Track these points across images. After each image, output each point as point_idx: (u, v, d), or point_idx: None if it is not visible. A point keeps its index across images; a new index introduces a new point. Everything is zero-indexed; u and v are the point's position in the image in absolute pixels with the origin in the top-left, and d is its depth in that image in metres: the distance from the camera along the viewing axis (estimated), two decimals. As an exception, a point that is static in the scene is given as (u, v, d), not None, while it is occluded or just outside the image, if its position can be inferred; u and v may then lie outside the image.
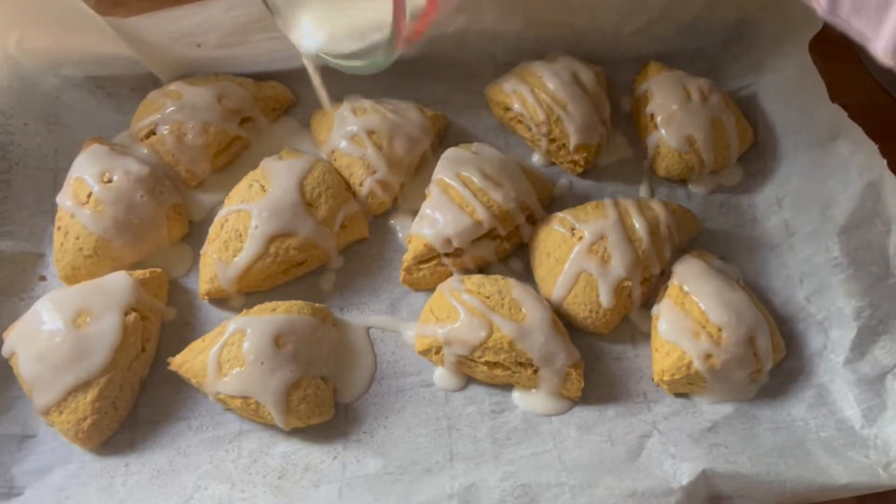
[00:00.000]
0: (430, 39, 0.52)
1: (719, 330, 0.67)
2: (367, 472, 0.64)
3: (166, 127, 0.76)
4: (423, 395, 0.70)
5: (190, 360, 0.67)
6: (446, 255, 0.73)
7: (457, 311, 0.68)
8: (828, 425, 0.68)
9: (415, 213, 0.76)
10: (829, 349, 0.71)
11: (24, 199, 0.75)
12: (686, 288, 0.70)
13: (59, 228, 0.72)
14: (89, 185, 0.71)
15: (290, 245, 0.71)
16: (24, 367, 0.64)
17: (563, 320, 0.71)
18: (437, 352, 0.69)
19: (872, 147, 0.69)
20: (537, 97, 0.79)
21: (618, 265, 0.71)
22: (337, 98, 0.81)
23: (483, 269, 0.76)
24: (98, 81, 0.81)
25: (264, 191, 0.72)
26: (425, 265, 0.74)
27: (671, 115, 0.80)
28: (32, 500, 0.63)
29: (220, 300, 0.73)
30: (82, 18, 0.71)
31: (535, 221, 0.76)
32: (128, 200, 0.71)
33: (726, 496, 0.62)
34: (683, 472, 0.61)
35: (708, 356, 0.66)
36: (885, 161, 0.69)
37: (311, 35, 0.57)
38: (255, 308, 0.69)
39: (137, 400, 0.68)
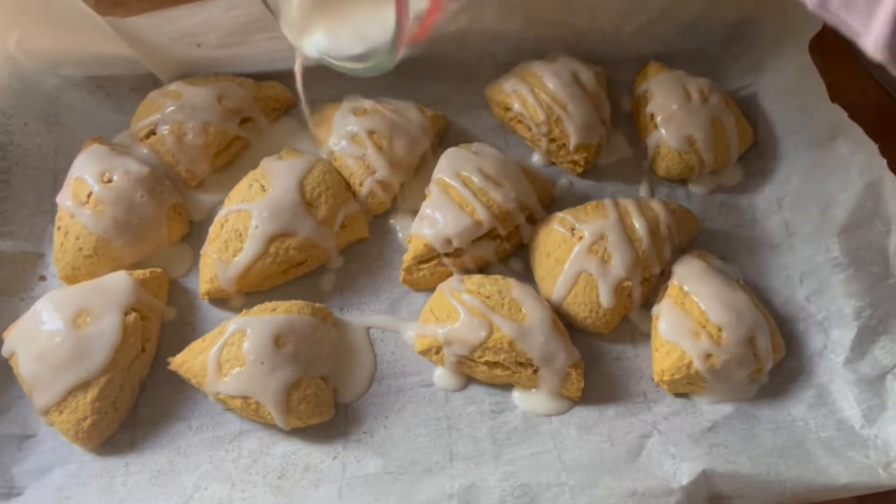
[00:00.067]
0: (430, 39, 0.52)
1: (719, 330, 0.67)
2: (367, 472, 0.64)
3: (166, 127, 0.76)
4: (423, 395, 0.70)
5: (190, 360, 0.67)
6: (446, 255, 0.73)
7: (457, 311, 0.68)
8: (828, 425, 0.68)
9: (415, 213, 0.76)
10: (829, 349, 0.71)
11: (24, 199, 0.75)
12: (686, 288, 0.70)
13: (59, 228, 0.72)
14: (89, 185, 0.71)
15: (290, 245, 0.71)
16: (24, 367, 0.64)
17: (563, 320, 0.71)
18: (437, 352, 0.69)
19: (872, 147, 0.69)
20: (537, 97, 0.79)
21: (618, 265, 0.71)
22: (337, 98, 0.82)
23: (483, 269, 0.76)
24: (98, 81, 0.81)
25: (264, 191, 0.72)
26: (425, 265, 0.74)
27: (671, 115, 0.80)
28: (32, 500, 0.63)
29: (220, 300, 0.73)
30: (82, 18, 0.71)
31: (535, 221, 0.76)
32: (128, 200, 0.71)
33: (726, 496, 0.62)
34: (683, 472, 0.61)
35: (708, 356, 0.66)
36: (885, 161, 0.69)
37: (314, 38, 0.57)
38: (255, 308, 0.69)
39: (137, 400, 0.68)
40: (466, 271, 0.74)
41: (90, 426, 0.64)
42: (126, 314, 0.66)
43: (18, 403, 0.67)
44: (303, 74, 0.63)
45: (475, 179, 0.73)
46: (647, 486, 0.61)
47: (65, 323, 0.64)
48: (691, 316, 0.68)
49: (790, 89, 0.80)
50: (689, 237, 0.78)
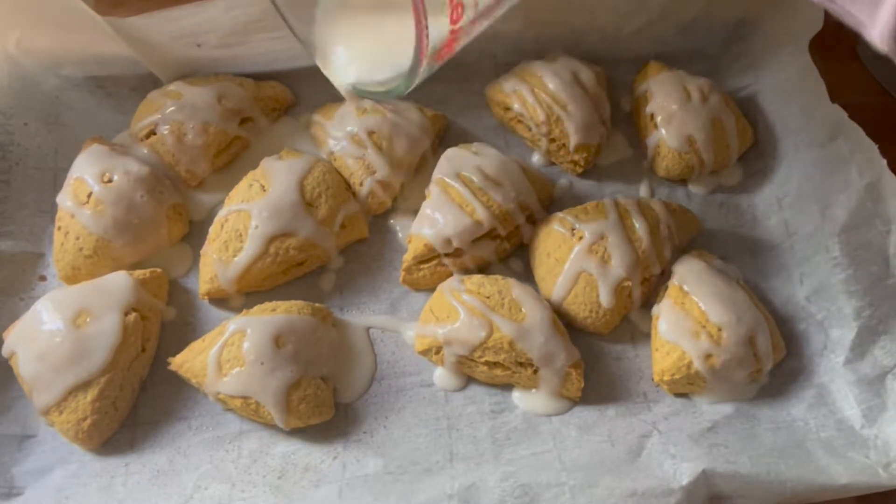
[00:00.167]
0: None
1: (719, 330, 0.67)
2: (367, 472, 0.64)
3: (166, 127, 0.76)
4: (423, 395, 0.70)
5: (190, 360, 0.67)
6: (446, 255, 0.73)
7: (457, 311, 0.68)
8: (828, 425, 0.68)
9: (415, 213, 0.76)
10: (829, 349, 0.71)
11: (24, 199, 0.75)
12: (686, 288, 0.70)
13: (59, 228, 0.72)
14: (89, 185, 0.71)
15: (290, 245, 0.71)
16: (24, 367, 0.64)
17: (563, 320, 0.71)
18: (437, 352, 0.69)
19: (872, 147, 0.69)
20: (537, 97, 0.79)
21: (618, 265, 0.71)
22: (337, 98, 0.81)
23: (483, 269, 0.76)
24: (98, 81, 0.81)
25: (264, 191, 0.72)
26: (425, 265, 0.74)
27: (671, 115, 0.80)
28: (32, 500, 0.63)
29: (220, 300, 0.73)
30: (82, 18, 0.71)
31: (535, 221, 0.76)
32: (128, 200, 0.71)
33: (726, 496, 0.62)
34: (683, 472, 0.61)
35: (708, 356, 0.66)
36: (885, 161, 0.69)
37: (348, 70, 0.58)
38: (255, 308, 0.69)
39: (137, 400, 0.68)
40: (466, 271, 0.74)
41: (90, 426, 0.64)
42: (126, 314, 0.66)
43: (18, 403, 0.67)
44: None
45: (475, 179, 0.73)
46: (647, 486, 0.61)
47: (65, 323, 0.64)
48: (691, 316, 0.68)
49: (790, 89, 0.80)
50: (689, 237, 0.78)
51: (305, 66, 0.81)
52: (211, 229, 0.73)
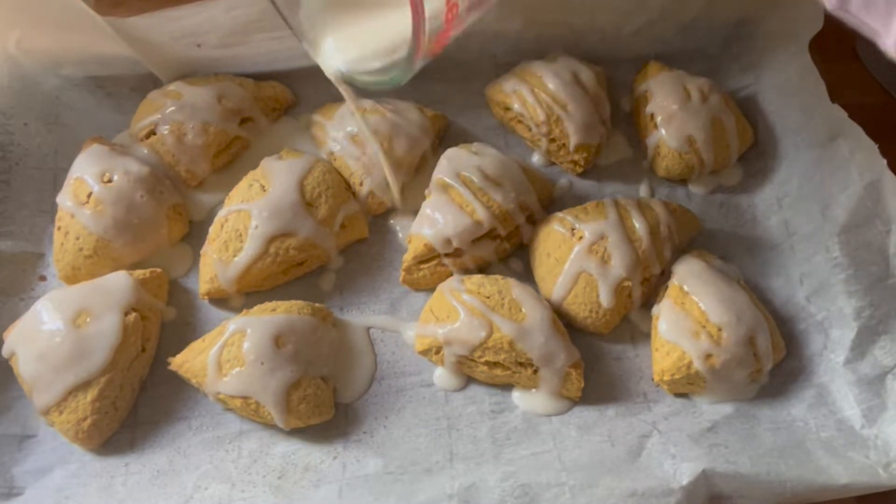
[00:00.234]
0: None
1: (719, 330, 0.67)
2: (367, 472, 0.64)
3: (166, 127, 0.76)
4: (423, 395, 0.70)
5: (190, 360, 0.67)
6: (446, 255, 0.73)
7: (457, 311, 0.68)
8: (828, 425, 0.68)
9: (415, 213, 0.76)
10: (829, 349, 0.71)
11: (24, 199, 0.75)
12: (686, 288, 0.70)
13: (59, 228, 0.72)
14: (89, 185, 0.71)
15: (290, 245, 0.71)
16: (24, 367, 0.64)
17: (563, 320, 0.71)
18: (437, 352, 0.69)
19: (872, 147, 0.69)
20: (537, 97, 0.79)
21: (618, 265, 0.71)
22: (336, 98, 0.81)
23: (483, 269, 0.76)
24: (98, 81, 0.81)
25: (264, 191, 0.72)
26: (425, 265, 0.74)
27: (671, 115, 0.80)
28: (32, 500, 0.63)
29: (220, 300, 0.73)
30: (82, 18, 0.71)
31: (535, 221, 0.76)
32: (128, 200, 0.71)
33: (726, 496, 0.62)
34: (683, 472, 0.61)
35: (708, 356, 0.66)
36: (885, 161, 0.69)
37: (335, 56, 0.57)
38: (255, 308, 0.69)
39: (137, 400, 0.68)
40: (466, 271, 0.74)
41: (90, 426, 0.64)
42: (126, 314, 0.66)
43: (18, 403, 0.67)
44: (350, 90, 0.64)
45: (475, 179, 0.73)
46: (647, 486, 0.61)
47: (65, 323, 0.64)
48: (691, 316, 0.68)
49: (790, 89, 0.80)
50: (689, 237, 0.78)
51: (305, 66, 0.81)
52: (211, 229, 0.73)
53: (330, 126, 0.79)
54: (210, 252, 0.72)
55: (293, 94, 0.84)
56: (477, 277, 0.71)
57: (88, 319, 0.65)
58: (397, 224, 0.79)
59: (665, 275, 0.74)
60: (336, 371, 0.70)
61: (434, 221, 0.72)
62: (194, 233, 0.77)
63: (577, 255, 0.71)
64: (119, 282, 0.68)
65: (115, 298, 0.67)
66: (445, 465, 0.65)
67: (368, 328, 0.73)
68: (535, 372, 0.67)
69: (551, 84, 0.80)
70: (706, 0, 0.83)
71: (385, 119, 0.77)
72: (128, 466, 0.65)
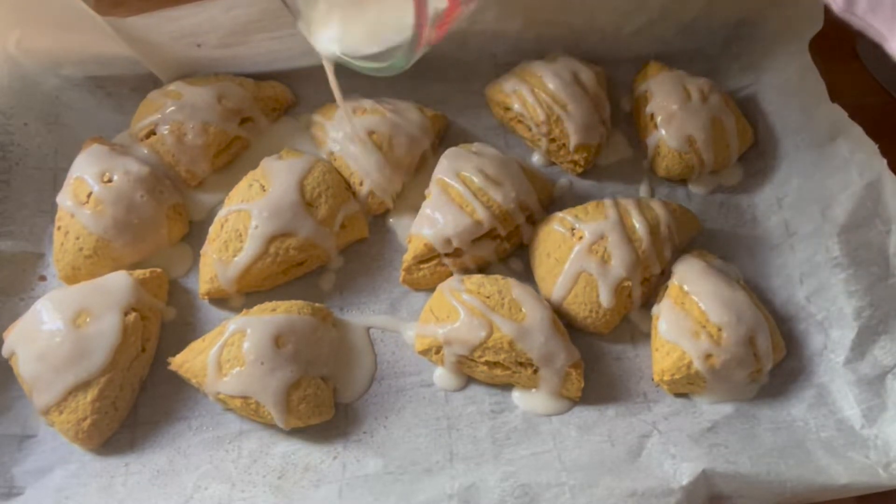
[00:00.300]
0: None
1: (719, 330, 0.67)
2: (367, 472, 0.64)
3: (166, 127, 0.76)
4: (423, 395, 0.70)
5: (190, 360, 0.67)
6: (446, 255, 0.73)
7: (457, 311, 0.68)
8: (828, 425, 0.68)
9: (415, 213, 0.76)
10: (829, 349, 0.71)
11: (24, 199, 0.75)
12: (686, 288, 0.70)
13: (59, 228, 0.72)
14: (89, 185, 0.71)
15: (290, 245, 0.71)
16: (24, 367, 0.64)
17: (563, 320, 0.71)
18: (437, 352, 0.69)
19: (872, 147, 0.69)
20: (537, 97, 0.79)
21: (618, 265, 0.71)
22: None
23: (483, 269, 0.76)
24: (98, 81, 0.81)
25: (264, 191, 0.72)
26: (425, 265, 0.74)
27: (671, 115, 0.80)
28: (32, 500, 0.63)
29: (220, 300, 0.73)
30: (82, 18, 0.71)
31: (535, 221, 0.76)
32: (128, 200, 0.71)
33: (726, 496, 0.62)
34: (683, 472, 0.61)
35: (708, 356, 0.66)
36: (885, 161, 0.69)
37: (333, 38, 0.56)
38: (255, 308, 0.69)
39: (137, 400, 0.68)
40: (466, 271, 0.74)
41: (90, 426, 0.64)
42: (126, 314, 0.66)
43: (18, 403, 0.67)
44: (334, 72, 0.62)
45: (475, 179, 0.73)
46: (647, 486, 0.61)
47: (65, 323, 0.64)
48: (691, 316, 0.68)
49: (790, 89, 0.80)
50: (689, 237, 0.78)
51: (305, 66, 0.81)
52: (211, 229, 0.73)
53: (330, 126, 0.79)
54: (210, 252, 0.72)
55: (293, 94, 0.84)
56: (477, 277, 0.71)
57: (88, 319, 0.65)
58: (397, 224, 0.79)
59: (665, 275, 0.74)
60: (336, 371, 0.70)
61: (434, 221, 0.72)
62: (194, 233, 0.77)
63: (577, 255, 0.71)
64: (119, 282, 0.68)
65: (115, 298, 0.67)
66: (445, 465, 0.65)
67: (368, 328, 0.73)
68: (535, 372, 0.67)
69: (551, 84, 0.80)
70: (706, 0, 0.83)
71: (385, 119, 0.77)
72: (128, 466, 0.65)
